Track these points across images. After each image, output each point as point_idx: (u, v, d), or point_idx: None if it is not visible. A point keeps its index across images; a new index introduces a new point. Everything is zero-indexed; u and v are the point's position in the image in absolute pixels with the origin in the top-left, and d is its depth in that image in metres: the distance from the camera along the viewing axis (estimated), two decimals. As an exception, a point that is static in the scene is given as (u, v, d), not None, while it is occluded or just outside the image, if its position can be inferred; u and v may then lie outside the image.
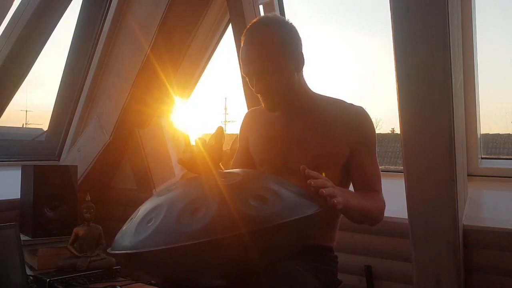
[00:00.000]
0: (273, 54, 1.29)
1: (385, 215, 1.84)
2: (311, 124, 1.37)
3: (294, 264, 1.24)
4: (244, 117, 1.59)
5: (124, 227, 1.05)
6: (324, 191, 1.06)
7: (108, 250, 1.03)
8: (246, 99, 2.31)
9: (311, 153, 1.35)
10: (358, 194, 1.32)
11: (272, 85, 1.31)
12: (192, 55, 2.57)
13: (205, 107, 2.93)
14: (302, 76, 1.40)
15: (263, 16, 1.46)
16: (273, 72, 1.29)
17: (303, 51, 1.36)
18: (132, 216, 1.06)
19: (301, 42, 1.37)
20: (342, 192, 1.13)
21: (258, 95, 1.35)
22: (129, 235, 0.98)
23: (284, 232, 0.98)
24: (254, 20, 1.38)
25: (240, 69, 1.42)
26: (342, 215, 1.42)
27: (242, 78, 2.25)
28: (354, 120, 1.36)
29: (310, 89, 1.43)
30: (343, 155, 1.36)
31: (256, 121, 1.51)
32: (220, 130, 1.19)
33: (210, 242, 0.89)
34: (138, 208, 1.07)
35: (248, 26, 1.35)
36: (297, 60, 1.34)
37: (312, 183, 1.07)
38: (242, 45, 1.33)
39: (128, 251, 0.96)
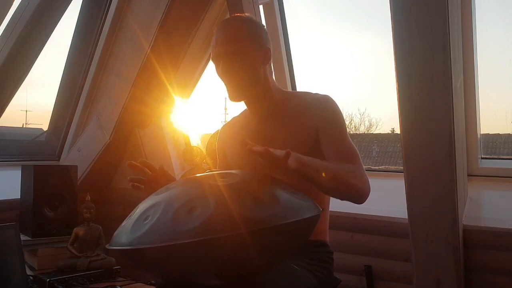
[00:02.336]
0: (242, 39, 1.35)
1: (385, 215, 1.86)
2: (282, 119, 1.41)
3: (291, 262, 1.24)
4: (219, 134, 1.62)
5: (122, 224, 1.05)
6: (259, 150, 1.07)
7: (106, 246, 1.04)
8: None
9: (285, 146, 1.34)
10: (320, 159, 1.29)
11: (238, 68, 1.35)
12: (192, 55, 2.57)
13: (205, 107, 2.93)
14: (271, 74, 1.45)
15: (236, 14, 1.52)
16: (240, 54, 1.34)
17: (271, 53, 1.42)
18: (131, 213, 1.07)
19: (270, 43, 1.43)
20: (295, 153, 1.13)
21: (223, 81, 1.39)
22: (126, 232, 0.99)
23: (280, 234, 0.98)
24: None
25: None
26: (335, 210, 1.43)
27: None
28: (317, 103, 1.40)
29: (279, 87, 1.48)
30: (311, 136, 1.37)
31: (230, 130, 1.56)
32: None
33: (204, 241, 0.89)
34: (137, 206, 1.08)
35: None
36: (264, 54, 1.39)
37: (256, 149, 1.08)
38: (214, 33, 1.40)
39: (124, 247, 0.97)
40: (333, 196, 1.36)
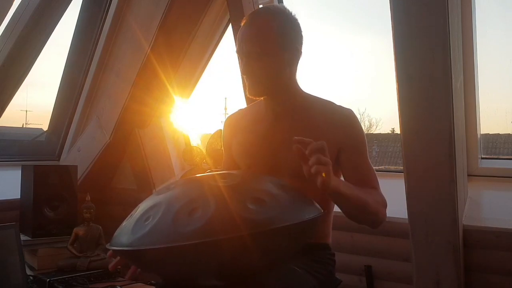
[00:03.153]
0: (269, 39, 1.27)
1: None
2: (299, 123, 1.35)
3: (292, 264, 1.24)
4: (224, 125, 1.54)
5: (123, 224, 1.05)
6: (312, 170, 1.01)
7: (107, 246, 1.04)
8: (246, 99, 2.31)
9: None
10: (353, 186, 1.25)
11: (260, 69, 1.29)
12: (192, 55, 2.57)
13: (205, 107, 2.93)
14: (295, 74, 1.38)
15: (270, 4, 1.45)
16: (264, 55, 1.27)
17: (302, 50, 1.35)
18: (132, 212, 1.07)
19: (302, 39, 1.34)
20: (334, 177, 1.08)
21: (244, 77, 1.33)
22: (126, 232, 0.99)
23: (280, 236, 0.97)
24: (262, 6, 1.36)
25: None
26: (334, 210, 1.40)
27: (241, 77, 2.25)
28: (343, 121, 1.33)
29: (301, 89, 1.40)
30: (332, 154, 1.28)
31: (238, 123, 1.48)
32: (219, 132, 1.19)
33: (205, 244, 0.89)
34: (138, 205, 1.08)
35: (254, 10, 1.35)
36: (292, 54, 1.32)
37: (309, 149, 1.02)
38: (242, 23, 1.33)
39: (125, 248, 0.97)
40: (353, 220, 1.29)
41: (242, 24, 1.32)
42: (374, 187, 1.32)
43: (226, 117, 1.56)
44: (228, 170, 1.47)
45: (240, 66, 1.33)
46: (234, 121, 1.51)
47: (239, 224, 0.91)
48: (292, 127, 1.35)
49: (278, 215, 0.96)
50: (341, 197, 1.15)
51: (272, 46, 1.28)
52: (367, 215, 1.25)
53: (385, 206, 1.29)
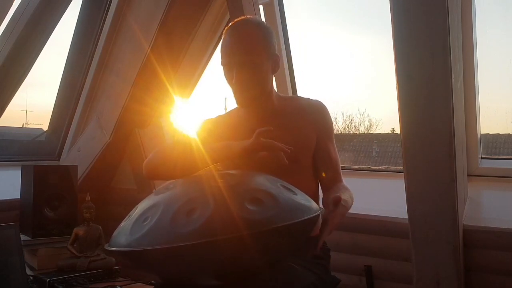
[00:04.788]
0: (257, 49, 1.36)
1: (385, 215, 1.86)
2: (281, 123, 1.42)
3: (289, 260, 1.24)
4: (201, 124, 1.55)
5: (122, 224, 1.05)
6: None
7: (105, 247, 1.04)
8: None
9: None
10: (341, 194, 1.32)
11: (252, 78, 1.37)
12: (192, 55, 2.57)
13: (205, 107, 2.93)
14: (272, 79, 1.48)
15: (248, 17, 1.51)
16: (255, 65, 1.36)
17: (279, 57, 1.45)
18: (130, 213, 1.07)
19: (276, 47, 1.45)
20: (341, 209, 1.16)
21: (234, 87, 1.39)
22: (125, 233, 0.99)
23: (279, 235, 0.98)
24: (238, 19, 1.44)
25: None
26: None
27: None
28: (317, 111, 1.48)
29: (276, 92, 1.52)
30: (313, 142, 1.46)
31: (218, 126, 1.50)
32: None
33: (204, 244, 0.89)
34: (136, 206, 1.08)
35: (231, 23, 1.42)
36: (274, 62, 1.42)
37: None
38: (224, 37, 1.39)
39: (123, 249, 0.97)
40: None
41: (225, 36, 1.39)
42: (341, 180, 1.45)
43: (204, 121, 1.56)
44: None
45: (229, 77, 1.39)
46: (212, 123, 1.53)
47: (237, 224, 0.91)
48: (276, 126, 1.36)
49: (276, 214, 0.96)
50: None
51: (260, 55, 1.37)
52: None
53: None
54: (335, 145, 1.50)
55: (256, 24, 1.43)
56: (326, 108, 1.51)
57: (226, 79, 1.41)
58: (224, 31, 1.41)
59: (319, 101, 1.51)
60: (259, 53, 1.36)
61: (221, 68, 1.42)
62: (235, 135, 1.40)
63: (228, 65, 1.38)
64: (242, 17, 1.49)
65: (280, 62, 1.45)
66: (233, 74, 1.36)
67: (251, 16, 1.58)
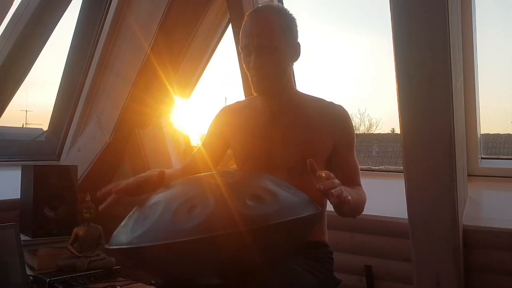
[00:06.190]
0: (276, 33, 1.32)
1: (385, 215, 1.86)
2: (295, 120, 1.39)
3: (291, 263, 1.24)
4: (219, 112, 1.55)
5: (122, 223, 1.05)
6: (334, 192, 1.04)
7: (106, 246, 1.04)
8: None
9: (296, 148, 1.36)
10: (351, 189, 1.29)
11: (269, 63, 1.32)
12: (192, 55, 2.57)
13: (205, 107, 2.93)
14: (292, 71, 1.43)
15: (271, 3, 1.49)
16: (274, 49, 1.31)
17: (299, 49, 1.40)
18: (130, 212, 1.07)
19: (298, 35, 1.40)
20: (345, 188, 1.12)
21: (251, 73, 1.35)
22: (125, 231, 0.99)
23: (279, 232, 0.98)
24: (261, 5, 1.40)
25: (238, 56, 1.41)
26: (326, 206, 1.43)
27: (242, 78, 2.25)
28: (337, 117, 1.41)
29: (295, 88, 1.47)
30: (327, 149, 1.40)
31: (236, 116, 1.49)
32: None
33: (204, 240, 0.89)
34: (136, 205, 1.08)
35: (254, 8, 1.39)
36: (294, 50, 1.38)
37: (322, 187, 1.05)
38: (245, 21, 1.36)
39: (124, 246, 0.97)
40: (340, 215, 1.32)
41: (246, 20, 1.36)
42: (359, 183, 1.42)
43: (223, 107, 1.56)
44: (199, 156, 1.52)
45: (247, 62, 1.35)
46: (230, 111, 1.53)
47: (238, 221, 0.91)
48: (289, 124, 1.39)
49: (276, 211, 0.97)
50: (349, 206, 1.16)
51: (280, 41, 1.32)
52: (355, 214, 1.34)
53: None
54: (355, 154, 1.44)
55: (277, 9, 1.39)
56: (349, 116, 1.44)
57: (244, 64, 1.37)
58: (246, 15, 1.38)
59: (342, 108, 1.43)
60: (278, 38, 1.31)
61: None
62: (252, 124, 1.42)
63: (247, 48, 1.33)
64: (268, 3, 1.46)
65: (300, 51, 1.39)
66: (251, 58, 1.32)
67: (277, 3, 1.55)
